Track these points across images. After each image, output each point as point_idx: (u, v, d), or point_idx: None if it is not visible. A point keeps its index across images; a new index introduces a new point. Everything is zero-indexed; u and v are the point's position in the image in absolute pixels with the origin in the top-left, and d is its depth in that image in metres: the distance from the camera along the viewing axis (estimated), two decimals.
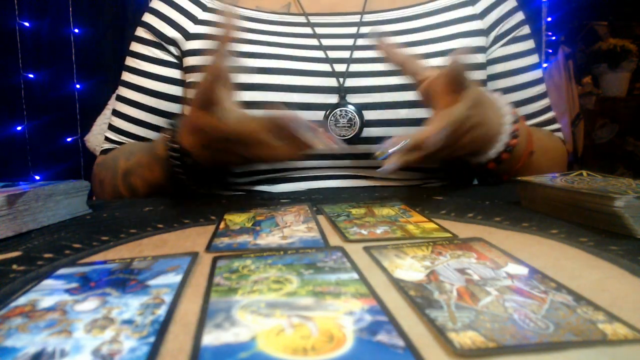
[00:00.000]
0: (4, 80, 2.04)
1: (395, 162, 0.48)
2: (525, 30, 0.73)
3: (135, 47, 0.73)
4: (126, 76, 0.73)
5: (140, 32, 0.72)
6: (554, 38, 2.59)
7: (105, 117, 1.22)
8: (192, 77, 0.67)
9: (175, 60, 0.70)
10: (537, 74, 0.73)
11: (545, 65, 2.51)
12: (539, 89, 0.74)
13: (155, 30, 0.70)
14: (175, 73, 0.71)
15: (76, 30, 2.09)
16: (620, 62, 2.62)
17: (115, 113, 0.74)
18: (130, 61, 0.73)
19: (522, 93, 0.72)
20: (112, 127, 0.74)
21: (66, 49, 2.09)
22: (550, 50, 2.56)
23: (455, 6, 0.70)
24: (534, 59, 0.73)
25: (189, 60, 0.68)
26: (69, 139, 2.13)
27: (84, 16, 2.09)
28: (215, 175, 0.57)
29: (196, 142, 0.51)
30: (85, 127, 1.53)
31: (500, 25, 0.70)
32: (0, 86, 2.04)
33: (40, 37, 2.08)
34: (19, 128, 2.10)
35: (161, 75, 0.71)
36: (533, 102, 0.73)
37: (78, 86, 2.11)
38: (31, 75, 2.08)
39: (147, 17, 0.72)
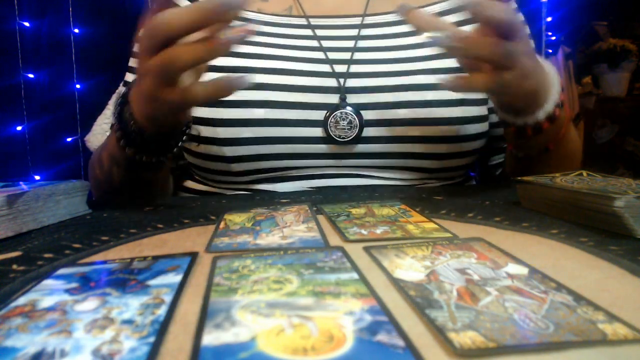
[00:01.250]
0: (4, 80, 2.04)
1: (462, 81, 0.46)
2: (525, 31, 0.73)
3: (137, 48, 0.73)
4: (129, 77, 0.74)
5: None
6: (554, 38, 2.59)
7: (105, 117, 1.22)
8: None
9: None
10: None
11: None
12: None
13: None
14: None
15: (76, 30, 2.09)
16: (620, 62, 2.62)
17: None
18: (133, 62, 0.73)
19: None
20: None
21: (66, 49, 2.09)
22: (550, 50, 2.56)
23: (456, 9, 0.70)
24: None
25: None
26: (69, 139, 2.13)
27: (84, 16, 2.09)
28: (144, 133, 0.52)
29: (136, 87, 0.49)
30: (85, 127, 1.53)
31: None
32: (0, 86, 2.04)
33: (40, 37, 2.08)
34: (19, 128, 2.10)
35: None
36: None
37: (78, 86, 2.11)
38: (31, 75, 2.08)
39: None
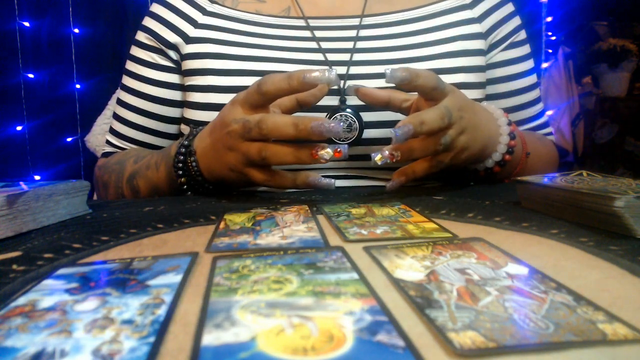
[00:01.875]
0: (4, 80, 2.04)
1: (402, 177, 0.50)
2: (522, 35, 0.75)
3: (135, 51, 0.73)
4: (126, 80, 0.73)
5: (140, 36, 0.72)
6: (554, 38, 2.59)
7: (105, 117, 1.22)
8: (191, 81, 0.67)
9: (173, 65, 0.71)
10: (532, 79, 0.76)
11: (545, 65, 2.51)
12: (535, 93, 0.76)
13: (156, 35, 0.70)
14: (174, 78, 0.71)
15: (76, 30, 2.09)
16: (620, 62, 2.62)
17: (116, 117, 0.75)
18: (130, 65, 0.73)
19: (519, 98, 0.74)
20: (113, 131, 0.75)
21: (66, 49, 2.08)
22: (550, 50, 2.56)
23: (454, 9, 0.70)
24: (530, 64, 0.75)
25: (188, 64, 0.68)
26: (69, 139, 2.13)
27: (84, 16, 2.09)
28: (211, 186, 0.56)
29: (208, 144, 0.51)
30: (85, 127, 1.53)
31: (498, 30, 0.71)
32: (0, 86, 2.04)
33: (40, 37, 2.08)
34: (19, 128, 2.09)
35: (160, 81, 0.71)
36: (529, 106, 0.75)
37: (78, 86, 2.11)
38: (31, 75, 2.08)
39: (147, 22, 0.72)
